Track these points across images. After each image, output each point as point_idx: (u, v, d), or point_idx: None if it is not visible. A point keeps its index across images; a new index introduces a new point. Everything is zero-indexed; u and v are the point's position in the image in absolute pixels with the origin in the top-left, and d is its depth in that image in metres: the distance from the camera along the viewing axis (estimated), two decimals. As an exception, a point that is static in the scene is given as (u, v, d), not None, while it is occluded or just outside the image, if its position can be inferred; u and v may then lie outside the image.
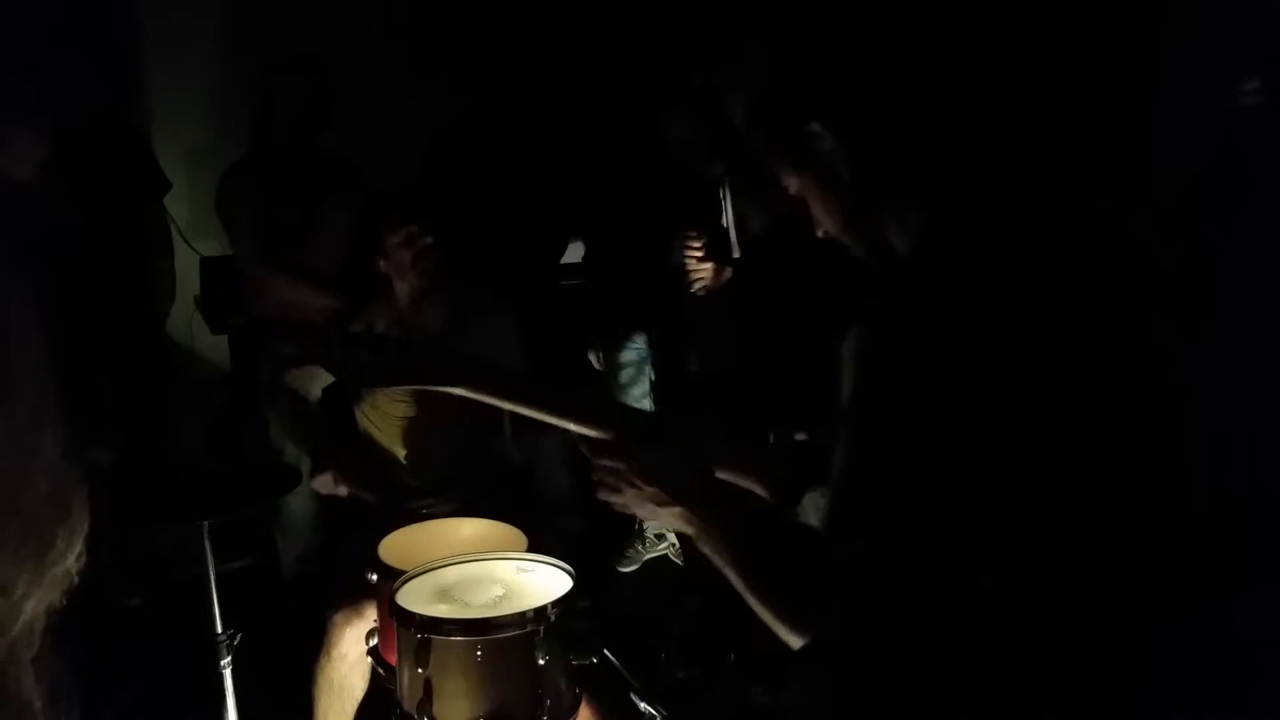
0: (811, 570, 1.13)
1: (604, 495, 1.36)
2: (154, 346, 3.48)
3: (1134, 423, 1.07)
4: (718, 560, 1.23)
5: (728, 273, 3.16)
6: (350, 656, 2.32)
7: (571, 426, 1.34)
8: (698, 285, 3.11)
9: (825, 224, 1.24)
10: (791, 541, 1.29)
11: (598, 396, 1.33)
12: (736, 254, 3.22)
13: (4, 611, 0.55)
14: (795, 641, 1.14)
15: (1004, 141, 1.18)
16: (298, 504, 3.41)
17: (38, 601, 0.58)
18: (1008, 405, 1.02)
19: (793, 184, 1.24)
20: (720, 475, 1.47)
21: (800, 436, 1.61)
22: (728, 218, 3.28)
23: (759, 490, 1.49)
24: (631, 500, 1.32)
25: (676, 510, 1.27)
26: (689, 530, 1.27)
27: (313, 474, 2.62)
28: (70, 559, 0.59)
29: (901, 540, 1.05)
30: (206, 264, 3.90)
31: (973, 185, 1.15)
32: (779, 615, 1.15)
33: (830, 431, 1.11)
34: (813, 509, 1.45)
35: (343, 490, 2.56)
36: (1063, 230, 1.12)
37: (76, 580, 0.61)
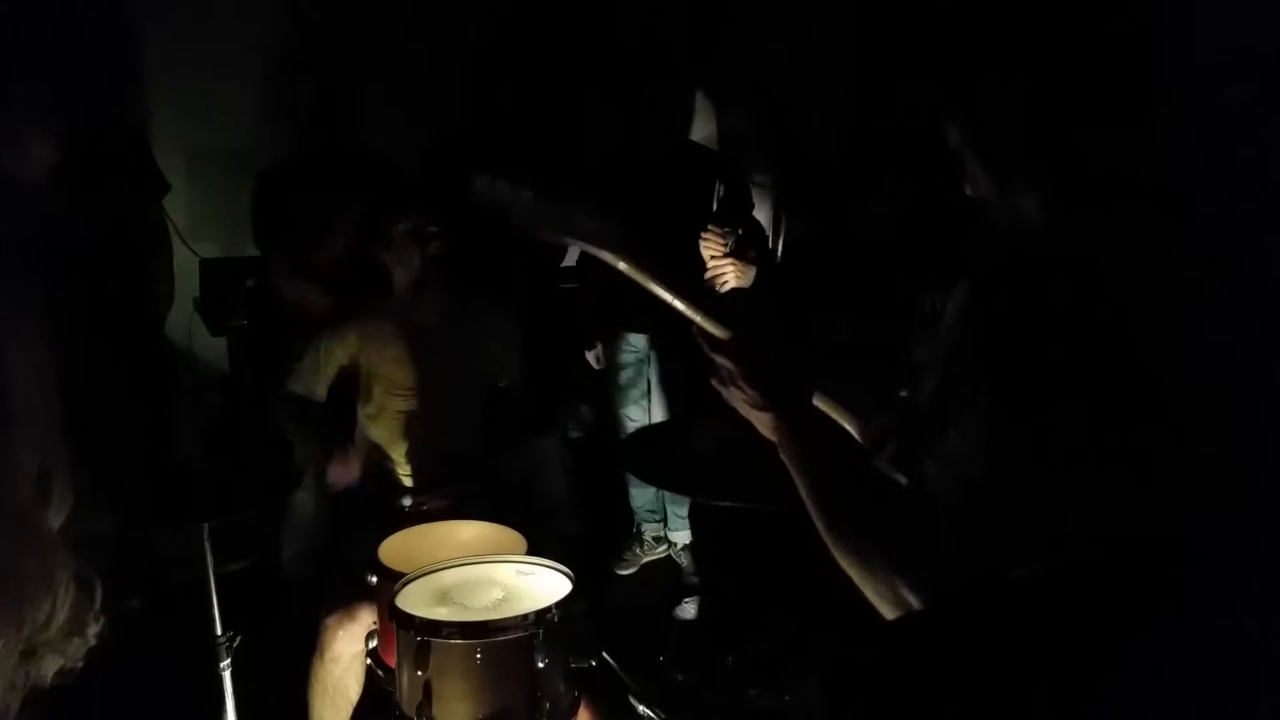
0: (888, 508, 1.16)
1: (716, 386, 1.42)
2: (153, 348, 3.47)
3: (1185, 417, 1.09)
4: (794, 474, 1.27)
5: (753, 272, 3.15)
6: (344, 659, 2.32)
7: (698, 318, 1.40)
8: (721, 283, 3.10)
9: (977, 181, 1.27)
10: (874, 480, 1.32)
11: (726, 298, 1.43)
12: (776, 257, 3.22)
13: None
14: (853, 572, 1.16)
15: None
16: (304, 503, 3.41)
17: (13, 671, 0.57)
18: (1100, 382, 1.05)
19: (954, 136, 1.27)
20: (822, 406, 1.52)
21: (904, 393, 1.65)
22: (779, 221, 3.29)
23: (854, 432, 1.52)
24: (734, 397, 1.37)
25: (768, 416, 1.32)
26: (775, 438, 1.32)
27: (326, 467, 2.62)
28: (53, 630, 0.59)
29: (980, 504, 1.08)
30: (206, 266, 3.90)
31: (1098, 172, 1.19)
32: (839, 540, 1.18)
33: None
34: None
35: (355, 474, 2.57)
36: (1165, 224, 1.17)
37: (94, 643, 0.62)
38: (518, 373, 2.87)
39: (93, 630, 0.61)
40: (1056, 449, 1.06)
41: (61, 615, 0.59)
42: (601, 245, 1.44)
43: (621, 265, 1.45)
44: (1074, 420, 1.05)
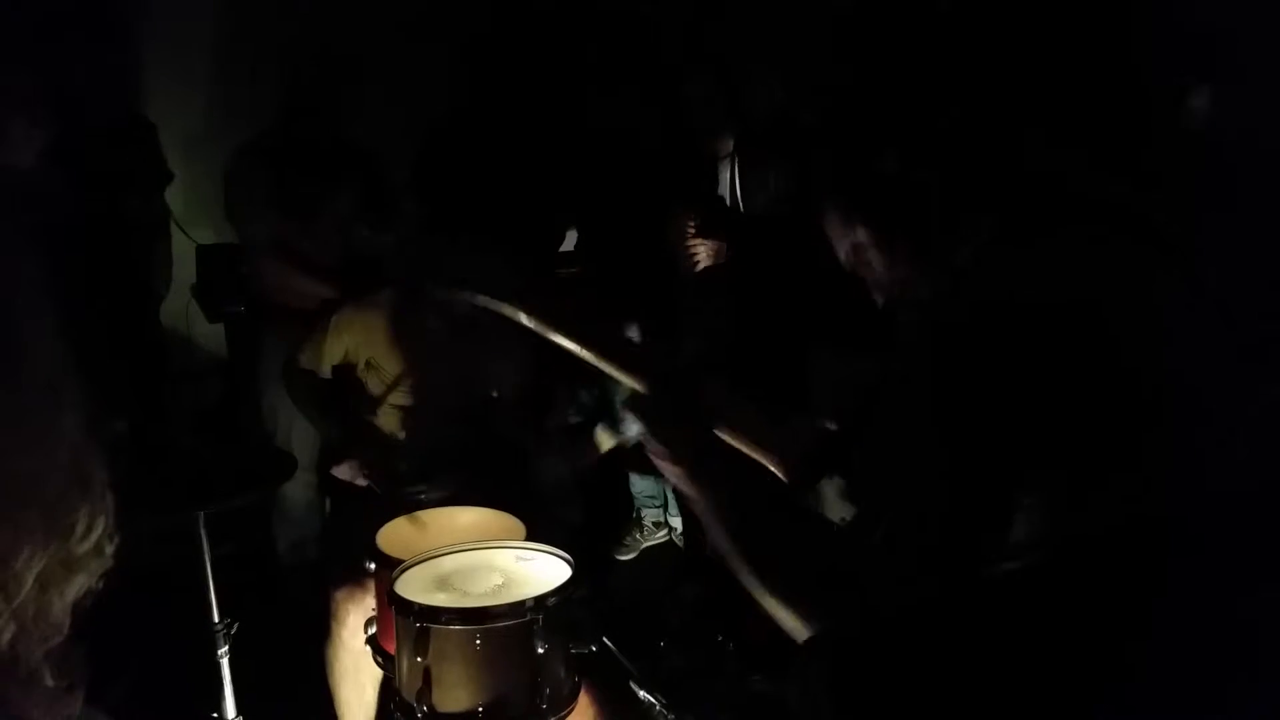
0: (813, 553, 1.14)
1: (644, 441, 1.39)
2: (150, 335, 3.46)
3: (1150, 415, 1.08)
4: (712, 528, 1.26)
5: (724, 250, 3.13)
6: (360, 632, 2.31)
7: (615, 373, 1.37)
8: (694, 263, 3.08)
9: (898, 274, 1.22)
10: (795, 524, 1.30)
11: (638, 351, 1.38)
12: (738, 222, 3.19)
13: (9, 583, 0.55)
14: (786, 620, 1.15)
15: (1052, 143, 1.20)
16: (295, 491, 3.40)
17: (58, 583, 0.57)
18: (1062, 409, 1.05)
19: (860, 237, 1.22)
20: (741, 448, 1.49)
21: (830, 425, 1.62)
22: (735, 190, 3.26)
23: (776, 469, 1.50)
24: (654, 454, 1.35)
25: (680, 471, 1.30)
26: (690, 493, 1.30)
27: (334, 459, 2.60)
28: (95, 537, 0.59)
29: (927, 524, 1.08)
30: (203, 252, 3.88)
31: (1033, 198, 1.16)
32: (770, 591, 1.17)
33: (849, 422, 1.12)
34: (829, 498, 1.46)
35: (362, 480, 2.55)
36: (1123, 241, 1.15)
37: (111, 563, 0.61)
38: (512, 388, 2.85)
39: (109, 549, 0.61)
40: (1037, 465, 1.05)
41: (100, 523, 0.59)
42: (502, 301, 1.40)
43: (523, 319, 1.40)
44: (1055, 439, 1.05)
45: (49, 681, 0.57)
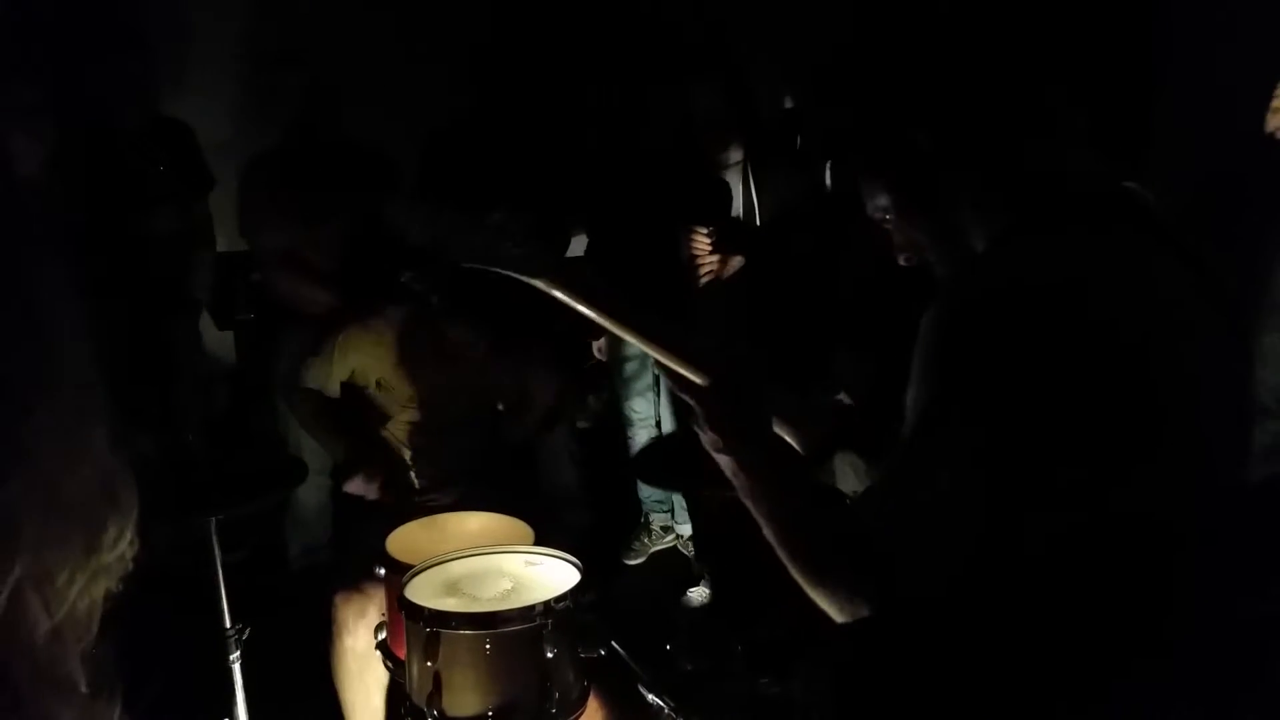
0: (850, 537, 1.15)
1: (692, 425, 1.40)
2: (161, 342, 3.47)
3: (1171, 413, 1.08)
4: (751, 507, 1.27)
5: (736, 262, 3.13)
6: (364, 637, 2.32)
7: (669, 363, 1.38)
8: (705, 275, 3.08)
9: (918, 239, 1.25)
10: (829, 509, 1.31)
11: (695, 340, 1.38)
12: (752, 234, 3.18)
13: (52, 601, 0.56)
14: (826, 606, 1.16)
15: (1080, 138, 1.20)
16: (308, 496, 3.41)
17: (89, 590, 0.58)
18: (1069, 396, 1.05)
19: (881, 200, 1.26)
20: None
21: (844, 399, 1.63)
22: (751, 201, 3.26)
23: (792, 442, 1.51)
24: (704, 441, 1.36)
25: (726, 459, 1.32)
26: (733, 480, 1.31)
27: (344, 475, 2.62)
28: (122, 546, 0.60)
29: (953, 517, 1.08)
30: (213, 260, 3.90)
31: (1047, 189, 1.17)
32: (807, 578, 1.18)
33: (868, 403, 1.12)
34: (841, 471, 1.48)
35: (374, 492, 2.56)
36: (1129, 232, 1.15)
37: (131, 567, 0.61)
38: (517, 402, 2.86)
39: (131, 555, 0.61)
40: (1048, 461, 1.06)
41: (126, 535, 0.60)
42: (536, 275, 1.39)
43: (558, 294, 1.40)
44: (1067, 434, 1.05)
45: (84, 689, 0.58)
